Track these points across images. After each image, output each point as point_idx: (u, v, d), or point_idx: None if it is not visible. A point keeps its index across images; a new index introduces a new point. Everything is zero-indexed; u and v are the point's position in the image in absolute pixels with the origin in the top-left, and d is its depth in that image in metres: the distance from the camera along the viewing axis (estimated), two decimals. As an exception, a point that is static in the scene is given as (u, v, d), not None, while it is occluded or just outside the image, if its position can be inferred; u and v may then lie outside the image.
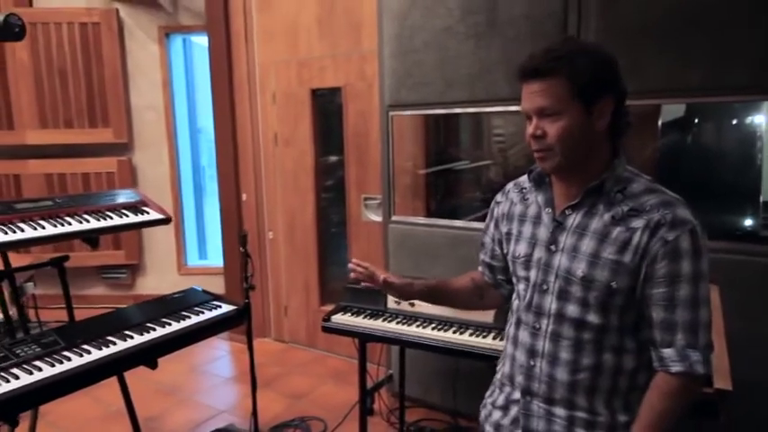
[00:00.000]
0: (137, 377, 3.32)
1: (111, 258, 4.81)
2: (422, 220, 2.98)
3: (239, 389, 3.54)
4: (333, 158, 3.83)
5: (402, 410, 2.81)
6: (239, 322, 2.41)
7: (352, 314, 2.44)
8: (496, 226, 1.40)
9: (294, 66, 3.70)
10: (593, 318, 1.17)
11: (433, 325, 2.28)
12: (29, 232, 1.93)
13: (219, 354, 4.10)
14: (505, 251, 1.35)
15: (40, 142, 4.55)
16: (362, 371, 2.47)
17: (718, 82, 2.11)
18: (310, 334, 3.99)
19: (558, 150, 1.14)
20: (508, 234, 1.33)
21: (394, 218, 3.04)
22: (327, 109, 3.74)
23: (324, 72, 3.57)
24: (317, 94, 3.69)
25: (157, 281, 4.86)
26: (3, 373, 1.70)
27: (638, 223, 1.13)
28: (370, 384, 3.05)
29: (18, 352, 1.82)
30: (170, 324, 2.16)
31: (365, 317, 2.41)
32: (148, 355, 2.04)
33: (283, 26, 3.71)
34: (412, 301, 2.40)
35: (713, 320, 1.66)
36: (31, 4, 4.51)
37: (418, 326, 2.30)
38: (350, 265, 1.41)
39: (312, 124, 3.72)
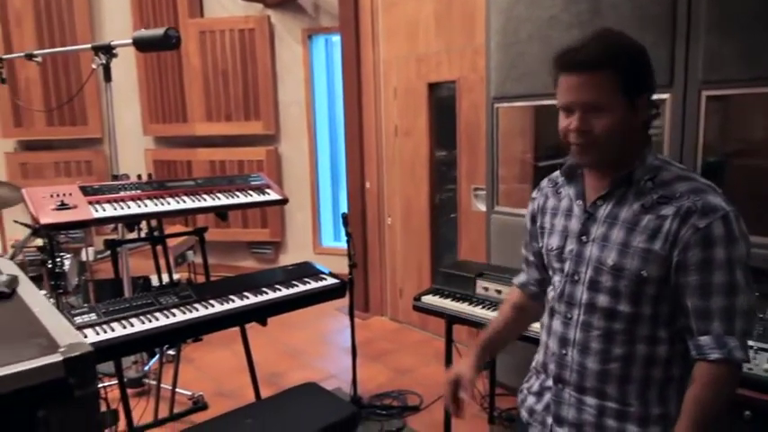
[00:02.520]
0: (268, 339, 3.84)
1: (259, 235, 5.49)
2: (524, 211, 2.99)
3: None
4: (447, 149, 3.97)
5: (492, 396, 2.89)
6: (341, 294, 2.68)
7: (442, 296, 2.59)
8: (533, 222, 1.42)
9: (413, 61, 3.90)
10: (623, 307, 1.17)
11: (515, 312, 2.33)
12: (173, 205, 2.39)
13: (343, 326, 4.48)
14: (540, 245, 1.38)
15: (207, 133, 5.35)
16: (449, 349, 2.61)
17: None
18: (422, 316, 4.17)
19: (602, 145, 1.14)
20: (542, 228, 1.36)
21: (497, 208, 3.10)
22: (442, 102, 3.88)
23: (440, 66, 3.72)
24: (433, 88, 3.86)
25: (296, 257, 5.39)
26: (148, 315, 2.16)
27: (668, 210, 1.12)
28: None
29: (161, 300, 2.28)
30: (280, 290, 2.50)
31: (453, 300, 2.55)
32: (259, 314, 2.39)
33: (405, 24, 3.93)
34: (499, 289, 2.51)
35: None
36: (202, 15, 5.30)
37: (500, 312, 2.37)
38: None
39: (428, 117, 3.89)
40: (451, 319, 2.54)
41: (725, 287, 1.08)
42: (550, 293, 1.35)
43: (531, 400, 1.38)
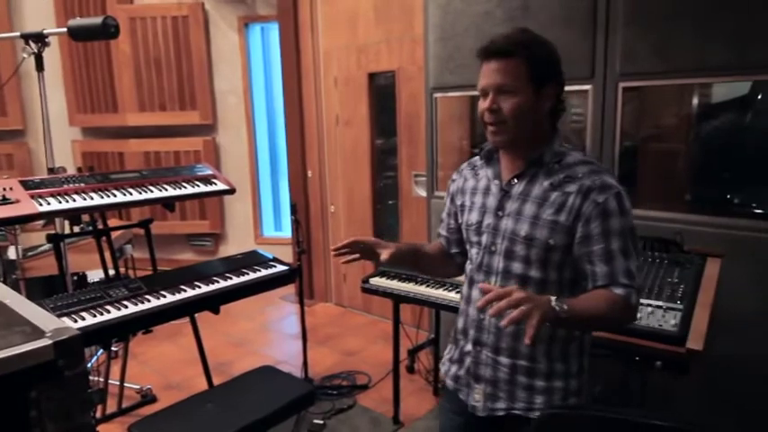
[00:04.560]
0: (213, 330, 3.85)
1: (198, 227, 5.41)
2: (462, 195, 3.17)
3: (300, 344, 3.94)
4: (387, 138, 4.10)
5: (436, 370, 3.07)
6: (290, 281, 2.75)
7: (388, 278, 2.72)
8: (452, 201, 1.56)
9: (354, 51, 3.98)
10: (534, 273, 1.34)
11: (458, 289, 2.51)
12: (120, 197, 2.37)
13: (287, 314, 4.55)
14: (460, 221, 1.51)
15: (139, 123, 5.19)
16: (396, 328, 2.76)
17: (743, 60, 2.13)
18: (366, 300, 4.31)
19: (510, 125, 1.30)
20: (462, 206, 1.50)
21: (436, 193, 3.27)
22: (382, 91, 3.99)
23: (379, 56, 3.83)
24: (373, 78, 3.96)
25: (237, 249, 5.34)
26: (99, 308, 2.15)
27: (572, 188, 1.30)
28: (410, 345, 3.35)
29: (110, 293, 2.27)
30: (231, 278, 2.53)
31: (399, 280, 2.68)
32: (212, 302, 2.41)
33: (344, 14, 4.00)
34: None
35: (705, 290, 1.80)
36: (131, 1, 5.12)
37: (444, 289, 2.54)
38: (334, 254, 1.49)
39: (369, 106, 4.00)
40: (398, 299, 2.68)
41: (622, 251, 1.28)
42: (468, 267, 1.50)
43: (453, 368, 1.52)
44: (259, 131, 5.33)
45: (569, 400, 1.37)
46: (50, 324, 1.01)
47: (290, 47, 4.29)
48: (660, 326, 1.64)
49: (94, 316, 2.08)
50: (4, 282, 3.95)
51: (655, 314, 1.67)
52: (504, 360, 1.39)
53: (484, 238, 1.42)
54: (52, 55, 4.99)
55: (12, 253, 3.91)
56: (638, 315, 1.66)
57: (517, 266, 1.36)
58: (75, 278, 4.02)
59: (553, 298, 1.18)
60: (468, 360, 1.46)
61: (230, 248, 5.44)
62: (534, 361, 1.37)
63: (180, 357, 3.66)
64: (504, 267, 1.38)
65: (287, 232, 5.48)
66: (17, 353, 0.91)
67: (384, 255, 1.45)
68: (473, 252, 1.47)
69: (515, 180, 1.38)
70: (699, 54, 2.23)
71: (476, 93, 3.13)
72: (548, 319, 1.15)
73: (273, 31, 5.15)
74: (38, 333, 0.98)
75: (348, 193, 4.30)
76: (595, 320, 1.29)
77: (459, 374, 1.50)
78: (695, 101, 2.52)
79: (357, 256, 1.48)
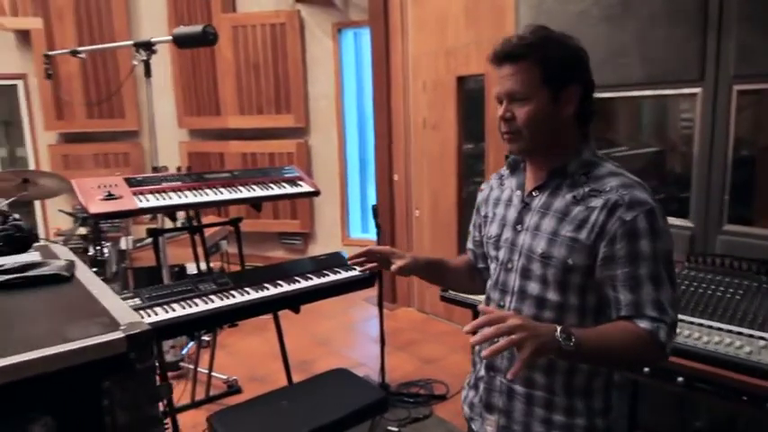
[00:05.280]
0: (297, 327, 3.95)
1: (289, 227, 5.61)
2: (551, 204, 3.02)
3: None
4: (475, 143, 4.00)
5: (518, 385, 2.93)
6: (370, 284, 2.75)
7: (469, 287, 2.64)
8: (478, 212, 1.46)
9: (442, 54, 3.93)
10: (552, 295, 1.20)
11: (542, 303, 2.38)
12: (211, 196, 2.50)
13: (370, 316, 4.58)
14: (483, 234, 1.41)
15: (239, 126, 5.48)
16: (475, 340, 2.66)
17: None
18: (448, 308, 4.23)
19: (525, 133, 1.18)
20: (485, 217, 1.40)
21: (524, 201, 3.13)
22: (471, 95, 3.90)
23: (469, 60, 3.75)
24: (462, 81, 3.88)
25: (324, 248, 5.50)
26: (188, 301, 2.27)
27: (596, 203, 1.15)
28: (491, 357, 3.23)
29: (200, 287, 2.39)
30: (312, 279, 2.58)
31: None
32: (292, 302, 2.47)
33: (434, 17, 3.96)
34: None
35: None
36: (234, 10, 5.41)
37: (527, 303, 2.41)
38: (350, 264, 1.49)
39: (457, 110, 3.93)
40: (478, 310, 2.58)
41: (652, 278, 1.11)
42: (488, 283, 1.38)
43: (470, 394, 1.40)
44: (349, 135, 5.43)
45: None
46: (126, 317, 1.07)
47: (380, 51, 4.33)
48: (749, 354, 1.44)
49: (183, 308, 2.20)
50: (116, 270, 4.32)
51: (768, 348, 1.47)
52: (519, 389, 1.26)
53: (501, 254, 1.31)
54: (163, 61, 5.40)
55: (123, 244, 4.27)
56: (749, 349, 1.48)
57: (533, 287, 1.23)
58: (176, 269, 4.31)
59: (558, 328, 1.04)
60: (481, 386, 1.34)
61: (318, 248, 5.58)
62: (552, 393, 1.22)
63: (265, 351, 3.79)
64: (519, 287, 1.25)
65: (373, 235, 5.51)
66: (93, 343, 0.96)
67: (394, 266, 1.39)
68: (492, 267, 1.36)
69: (536, 192, 1.25)
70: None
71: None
72: (545, 353, 1.02)
73: (365, 36, 5.22)
74: (114, 325, 1.03)
75: (433, 197, 4.25)
76: (613, 357, 1.14)
77: (474, 402, 1.38)
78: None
79: (374, 264, 1.44)
